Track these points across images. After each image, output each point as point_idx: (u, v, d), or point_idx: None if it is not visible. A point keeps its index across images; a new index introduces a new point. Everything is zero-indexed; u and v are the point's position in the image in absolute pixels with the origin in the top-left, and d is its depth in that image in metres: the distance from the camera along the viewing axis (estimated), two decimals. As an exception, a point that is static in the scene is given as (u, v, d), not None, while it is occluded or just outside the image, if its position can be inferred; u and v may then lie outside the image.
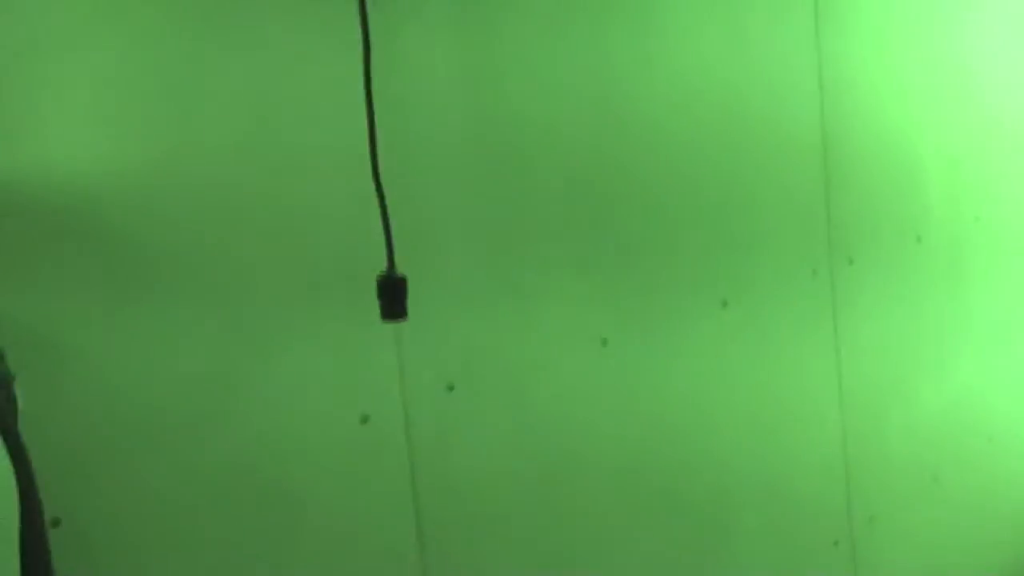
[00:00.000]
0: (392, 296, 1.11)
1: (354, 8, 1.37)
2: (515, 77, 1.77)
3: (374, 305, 1.22)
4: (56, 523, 1.30)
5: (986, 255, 3.14)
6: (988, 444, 3.18)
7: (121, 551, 1.37)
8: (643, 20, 1.97)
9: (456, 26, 1.69)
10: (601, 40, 1.89)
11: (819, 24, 2.42)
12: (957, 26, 3.02)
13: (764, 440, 2.27)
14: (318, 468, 1.54)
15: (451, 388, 1.74)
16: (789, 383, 2.28)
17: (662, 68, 2.01)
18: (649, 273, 1.99)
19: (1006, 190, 3.27)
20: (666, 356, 2.02)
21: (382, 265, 1.24)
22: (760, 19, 2.27)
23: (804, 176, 2.36)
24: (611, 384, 1.92)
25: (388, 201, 1.23)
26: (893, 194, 2.69)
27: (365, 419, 1.60)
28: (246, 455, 1.45)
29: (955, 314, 2.99)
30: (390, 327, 1.58)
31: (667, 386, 2.03)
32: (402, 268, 1.26)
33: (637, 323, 1.96)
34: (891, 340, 2.69)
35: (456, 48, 1.68)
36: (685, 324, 2.06)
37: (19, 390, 0.99)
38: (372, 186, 1.22)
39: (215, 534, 1.45)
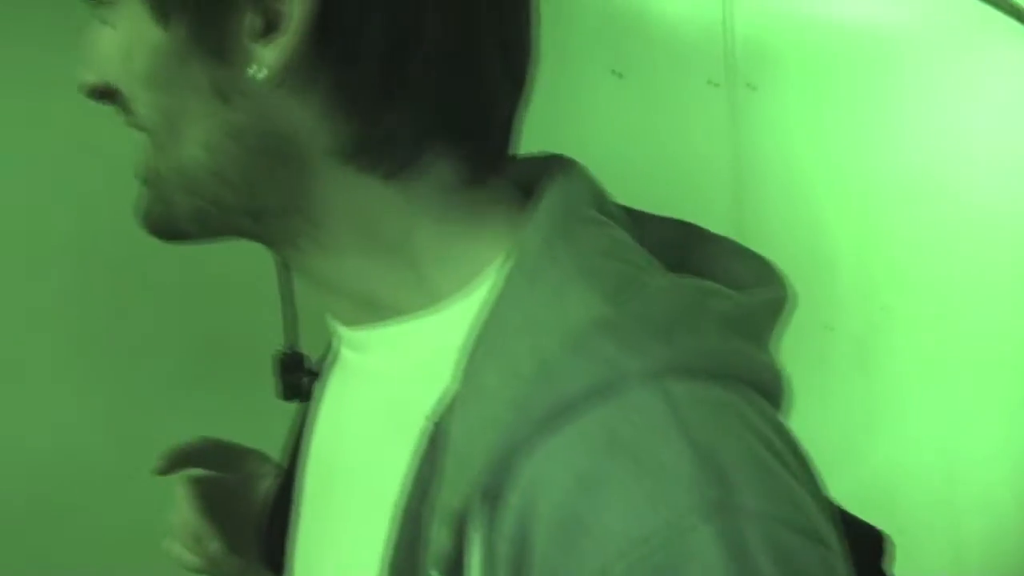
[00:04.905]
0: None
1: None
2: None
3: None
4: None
5: (898, 344, 3.19)
6: (899, 536, 3.19)
7: None
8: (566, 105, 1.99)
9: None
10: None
11: (736, 115, 2.46)
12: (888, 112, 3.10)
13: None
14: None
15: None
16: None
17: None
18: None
19: (920, 280, 3.32)
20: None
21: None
22: (673, 109, 2.30)
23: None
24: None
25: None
26: (801, 282, 2.72)
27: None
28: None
29: (864, 404, 3.02)
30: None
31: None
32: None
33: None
34: (795, 428, 2.69)
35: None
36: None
37: None
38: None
39: None
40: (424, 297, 0.57)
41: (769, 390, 0.54)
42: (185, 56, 0.53)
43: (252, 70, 0.52)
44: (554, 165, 0.60)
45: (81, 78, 0.58)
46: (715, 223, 0.61)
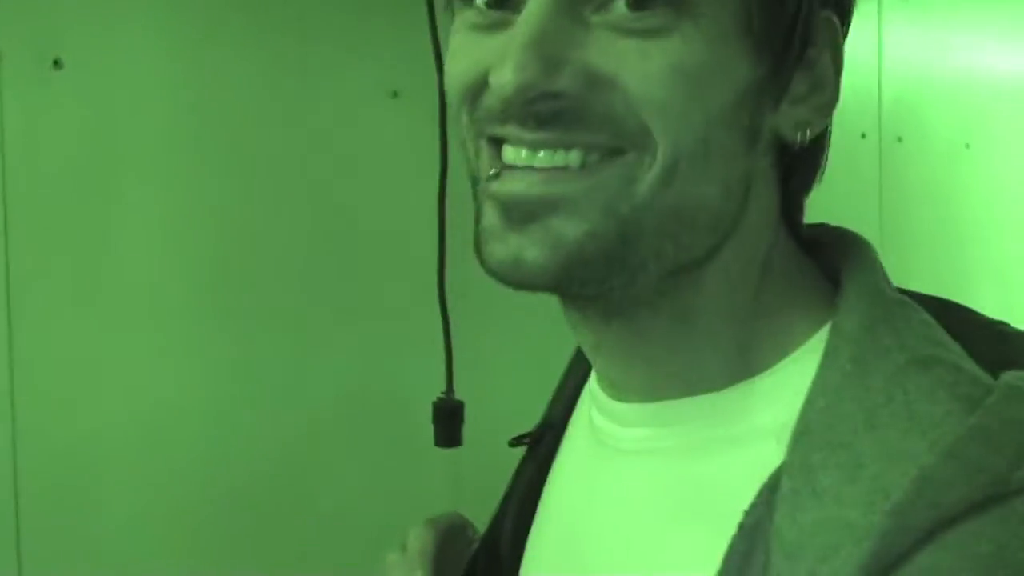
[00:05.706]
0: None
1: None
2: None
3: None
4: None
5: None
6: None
7: None
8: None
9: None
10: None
11: (883, 165, 2.57)
12: None
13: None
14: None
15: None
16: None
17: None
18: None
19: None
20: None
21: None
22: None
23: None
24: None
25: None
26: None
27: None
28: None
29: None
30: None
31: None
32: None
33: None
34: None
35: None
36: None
37: None
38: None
39: None
40: (737, 371, 0.55)
41: None
42: (755, 95, 0.52)
43: (781, 123, 0.54)
44: (845, 240, 0.59)
45: (547, 78, 0.49)
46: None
